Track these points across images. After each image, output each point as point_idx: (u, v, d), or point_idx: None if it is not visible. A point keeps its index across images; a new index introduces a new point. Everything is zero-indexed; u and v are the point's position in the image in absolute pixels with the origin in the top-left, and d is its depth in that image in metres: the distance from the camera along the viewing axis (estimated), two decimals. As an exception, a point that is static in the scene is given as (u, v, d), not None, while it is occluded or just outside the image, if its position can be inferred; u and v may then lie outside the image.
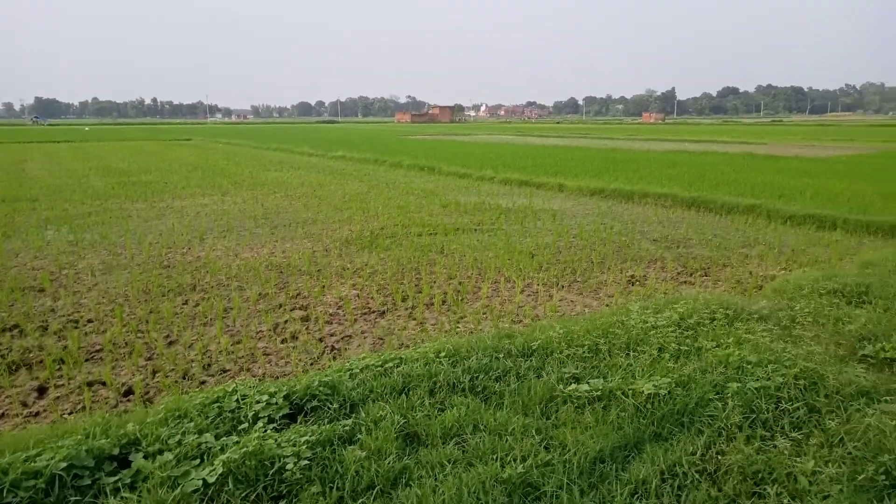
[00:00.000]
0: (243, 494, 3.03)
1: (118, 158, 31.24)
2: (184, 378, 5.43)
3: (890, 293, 6.51)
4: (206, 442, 3.36)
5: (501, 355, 4.72)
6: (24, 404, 4.95)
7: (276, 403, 3.77)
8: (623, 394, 4.09)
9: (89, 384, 5.27)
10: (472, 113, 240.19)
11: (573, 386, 4.14)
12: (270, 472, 3.12)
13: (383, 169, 25.44)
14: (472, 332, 6.20)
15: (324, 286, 8.22)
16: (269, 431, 3.48)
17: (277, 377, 5.29)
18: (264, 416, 3.68)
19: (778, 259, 9.50)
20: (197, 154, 34.97)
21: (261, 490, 3.07)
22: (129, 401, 4.96)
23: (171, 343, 6.28)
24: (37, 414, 4.78)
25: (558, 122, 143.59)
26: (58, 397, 5.06)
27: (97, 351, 6.04)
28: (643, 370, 4.45)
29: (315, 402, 3.87)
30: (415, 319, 6.96)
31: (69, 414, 4.71)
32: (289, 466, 3.14)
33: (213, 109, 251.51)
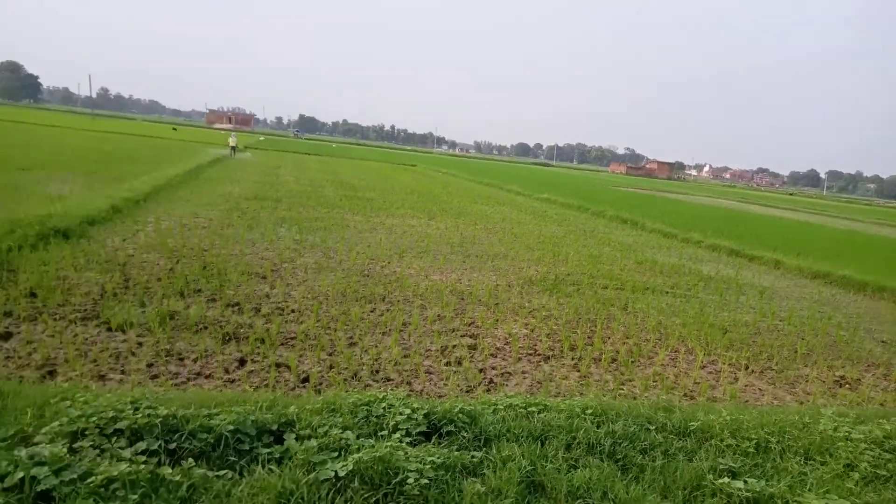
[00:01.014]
0: (366, 495, 3.25)
1: (352, 174, 35.02)
2: (353, 377, 5.92)
3: None
4: (346, 438, 3.66)
5: (653, 428, 4.43)
6: (226, 370, 5.79)
7: (416, 419, 3.98)
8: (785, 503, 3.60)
9: (277, 365, 6.00)
10: (694, 172, 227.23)
11: (726, 480, 3.74)
12: (393, 482, 3.31)
13: (585, 216, 25.22)
14: (635, 398, 5.90)
15: (497, 320, 8.40)
16: (403, 444, 3.69)
17: (431, 396, 5.53)
18: (403, 429, 3.90)
19: None
20: (416, 180, 37.85)
21: (381, 496, 3.26)
22: (304, 387, 5.55)
23: (351, 344, 6.89)
24: (232, 381, 5.56)
25: (791, 194, 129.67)
26: (251, 371, 5.83)
27: (291, 338, 6.83)
28: (818, 484, 3.86)
29: (451, 427, 4.00)
30: (578, 371, 6.80)
31: (255, 387, 5.41)
32: (410, 481, 3.30)
33: (441, 141, 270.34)
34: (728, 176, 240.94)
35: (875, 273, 14.94)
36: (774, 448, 4.35)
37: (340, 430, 3.74)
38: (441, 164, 70.45)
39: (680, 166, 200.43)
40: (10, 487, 2.70)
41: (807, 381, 7.26)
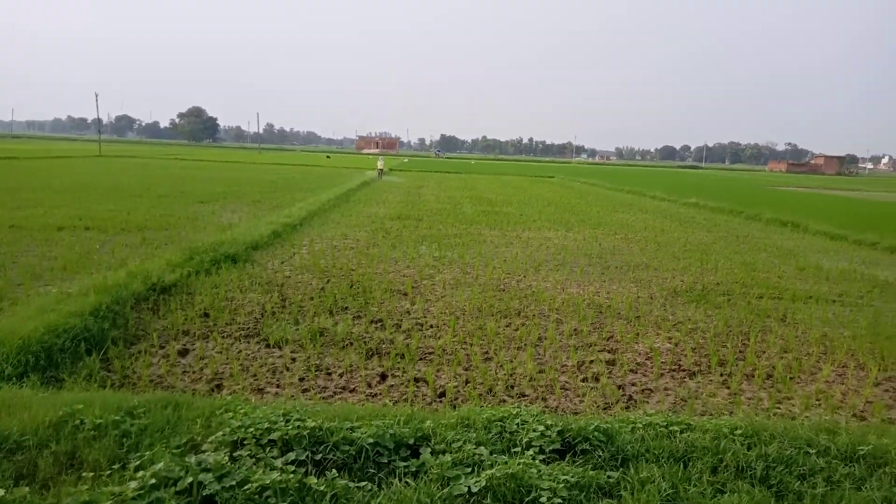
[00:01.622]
0: (498, 511, 3.29)
1: (489, 190, 35.51)
2: (489, 392, 6.00)
3: None
4: (480, 454, 3.73)
5: (813, 451, 4.02)
6: (369, 385, 6.13)
7: (550, 436, 3.95)
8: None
9: (416, 380, 6.24)
10: (870, 165, 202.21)
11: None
12: (525, 500, 3.32)
13: (738, 221, 23.48)
14: (793, 418, 5.39)
15: (638, 334, 8.09)
16: (536, 461, 3.68)
17: (567, 412, 5.46)
18: (536, 446, 3.89)
19: None
20: (554, 191, 37.50)
21: (513, 513, 3.28)
22: (440, 401, 5.73)
23: (487, 359, 6.99)
24: (374, 395, 5.87)
25: None
26: (392, 385, 6.12)
27: (429, 353, 7.08)
28: None
29: (586, 445, 3.92)
30: (728, 388, 6.35)
31: (395, 402, 5.67)
32: (543, 499, 3.29)
33: (580, 150, 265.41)
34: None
35: None
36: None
37: (474, 446, 3.82)
38: (579, 173, 69.20)
39: (852, 160, 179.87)
40: (181, 491, 3.09)
41: None
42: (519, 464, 3.55)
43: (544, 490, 3.36)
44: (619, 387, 6.31)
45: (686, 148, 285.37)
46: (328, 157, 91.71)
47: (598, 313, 9.06)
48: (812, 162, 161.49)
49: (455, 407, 5.43)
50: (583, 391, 6.11)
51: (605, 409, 5.71)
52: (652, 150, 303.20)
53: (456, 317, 8.55)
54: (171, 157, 67.02)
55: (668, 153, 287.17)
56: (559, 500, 3.31)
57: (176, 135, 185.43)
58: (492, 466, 3.58)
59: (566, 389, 6.17)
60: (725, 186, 49.00)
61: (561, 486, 3.41)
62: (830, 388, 6.46)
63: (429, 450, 3.84)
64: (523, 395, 5.95)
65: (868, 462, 3.97)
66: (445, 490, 3.38)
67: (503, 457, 3.73)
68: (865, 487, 3.69)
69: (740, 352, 7.54)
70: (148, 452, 3.51)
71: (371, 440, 3.74)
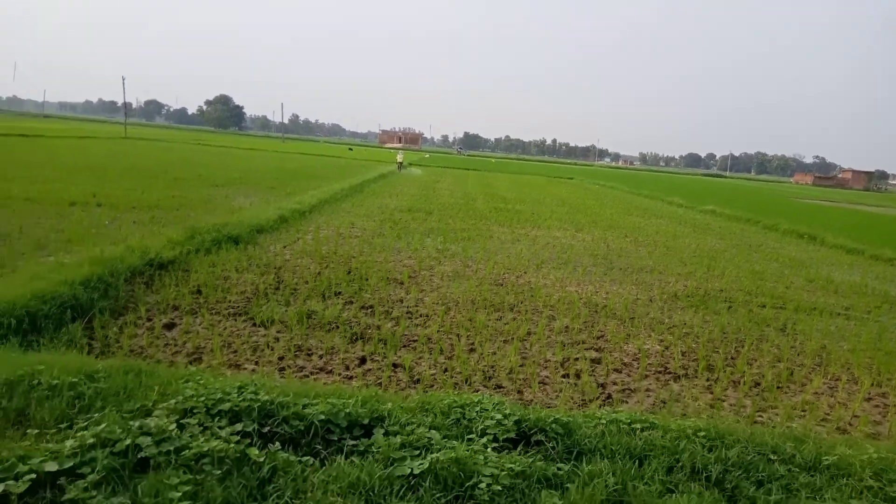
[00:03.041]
0: (437, 495, 3.24)
1: (506, 188, 35.35)
2: (465, 382, 5.95)
3: None
4: (431, 438, 3.69)
5: (777, 459, 3.90)
6: (347, 367, 6.11)
7: (506, 425, 3.89)
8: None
9: (394, 366, 6.22)
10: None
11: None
12: (465, 485, 3.27)
13: (754, 230, 23.09)
14: (774, 426, 5.26)
15: (629, 335, 7.98)
16: (488, 449, 3.63)
17: (540, 406, 5.39)
18: (491, 434, 3.84)
19: None
20: (571, 192, 37.23)
21: (451, 497, 3.24)
22: (414, 387, 5.69)
23: (470, 350, 6.93)
24: (350, 378, 5.85)
25: None
26: (369, 369, 6.10)
27: (413, 341, 7.05)
28: None
29: (542, 437, 3.86)
30: (712, 393, 6.23)
31: (368, 385, 5.64)
32: (482, 485, 3.24)
33: (603, 153, 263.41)
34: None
35: None
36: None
37: (427, 430, 3.78)
38: (600, 176, 68.60)
39: (881, 175, 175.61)
40: (118, 452, 3.10)
41: None
42: (467, 450, 3.51)
43: (486, 476, 3.31)
44: (601, 385, 6.23)
45: (711, 156, 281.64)
46: (350, 149, 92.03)
47: (593, 312, 8.95)
48: (839, 176, 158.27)
49: (426, 392, 5.39)
50: (561, 387, 6.04)
51: (580, 405, 5.64)
52: (676, 156, 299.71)
53: (448, 308, 8.50)
54: (195, 142, 67.78)
55: (692, 161, 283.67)
56: (499, 488, 3.26)
57: (203, 121, 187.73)
58: (440, 450, 3.53)
59: (544, 384, 6.10)
60: (747, 196, 48.25)
61: (504, 473, 3.36)
62: (818, 399, 6.31)
63: (382, 431, 3.80)
64: (500, 387, 5.89)
65: (831, 472, 3.84)
66: (388, 470, 3.35)
67: (454, 442, 3.69)
68: (821, 497, 3.57)
69: (732, 358, 7.40)
70: (98, 415, 3.54)
71: (322, 417, 3.72)
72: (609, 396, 5.93)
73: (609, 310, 9.12)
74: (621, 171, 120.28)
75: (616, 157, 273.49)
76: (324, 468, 3.36)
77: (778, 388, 6.48)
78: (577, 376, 6.38)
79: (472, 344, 7.12)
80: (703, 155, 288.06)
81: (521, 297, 9.44)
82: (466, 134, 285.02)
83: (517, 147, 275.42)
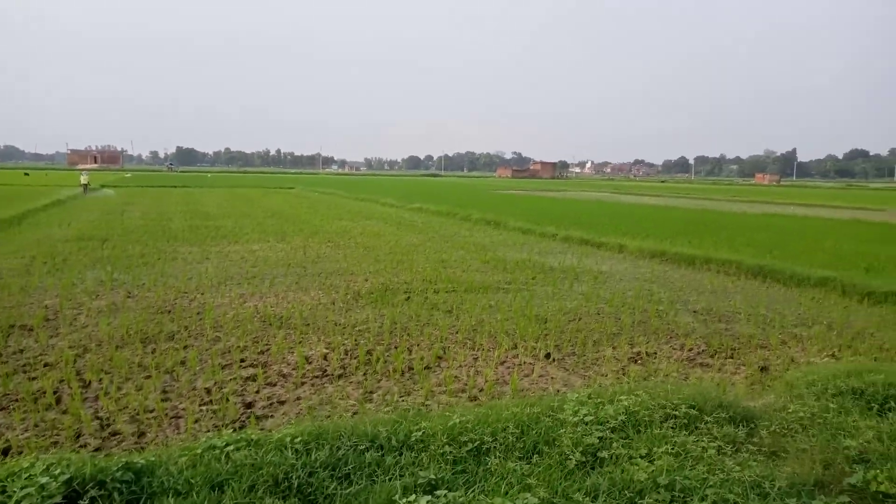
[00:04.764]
0: None
1: (213, 204, 33.12)
2: (75, 437, 5.00)
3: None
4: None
5: (368, 447, 3.88)
6: None
7: (49, 490, 3.18)
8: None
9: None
10: (577, 170, 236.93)
11: (414, 497, 3.23)
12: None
13: (451, 222, 25.09)
14: (415, 409, 5.37)
15: (298, 342, 7.70)
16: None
17: (159, 445, 4.74)
18: (26, 507, 3.10)
19: (832, 343, 7.89)
20: (286, 202, 36.48)
21: None
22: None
23: (94, 398, 5.89)
24: None
25: (663, 182, 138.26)
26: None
27: (16, 400, 5.77)
28: (519, 480, 3.45)
29: (101, 492, 3.25)
30: (363, 388, 6.22)
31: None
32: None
33: (329, 161, 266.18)
34: (609, 170, 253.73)
35: (705, 247, 15.62)
36: (494, 448, 3.92)
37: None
38: (324, 184, 68.93)
39: (563, 165, 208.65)
40: None
41: (604, 363, 7.09)
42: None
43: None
44: (248, 404, 5.79)
45: (430, 157, 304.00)
46: (26, 174, 78.01)
47: (266, 326, 8.50)
48: (532, 167, 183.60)
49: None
50: (197, 417, 5.44)
51: (213, 430, 5.11)
52: (399, 160, 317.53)
53: (84, 350, 7.27)
54: None
55: (413, 163, 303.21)
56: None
57: None
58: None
59: (177, 418, 5.44)
60: (453, 191, 52.68)
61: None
62: (461, 371, 6.73)
63: None
64: (115, 434, 5.07)
65: (419, 448, 3.94)
66: None
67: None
68: (395, 473, 3.61)
69: (395, 348, 7.56)
70: None
71: None
72: (254, 416, 5.51)
73: (285, 320, 8.78)
74: (346, 177, 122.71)
75: (343, 163, 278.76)
76: None
77: (426, 368, 6.75)
78: (226, 400, 5.84)
79: (102, 387, 6.11)
80: (422, 157, 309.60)
81: (186, 323, 8.57)
82: (179, 148, 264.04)
83: (239, 159, 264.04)
